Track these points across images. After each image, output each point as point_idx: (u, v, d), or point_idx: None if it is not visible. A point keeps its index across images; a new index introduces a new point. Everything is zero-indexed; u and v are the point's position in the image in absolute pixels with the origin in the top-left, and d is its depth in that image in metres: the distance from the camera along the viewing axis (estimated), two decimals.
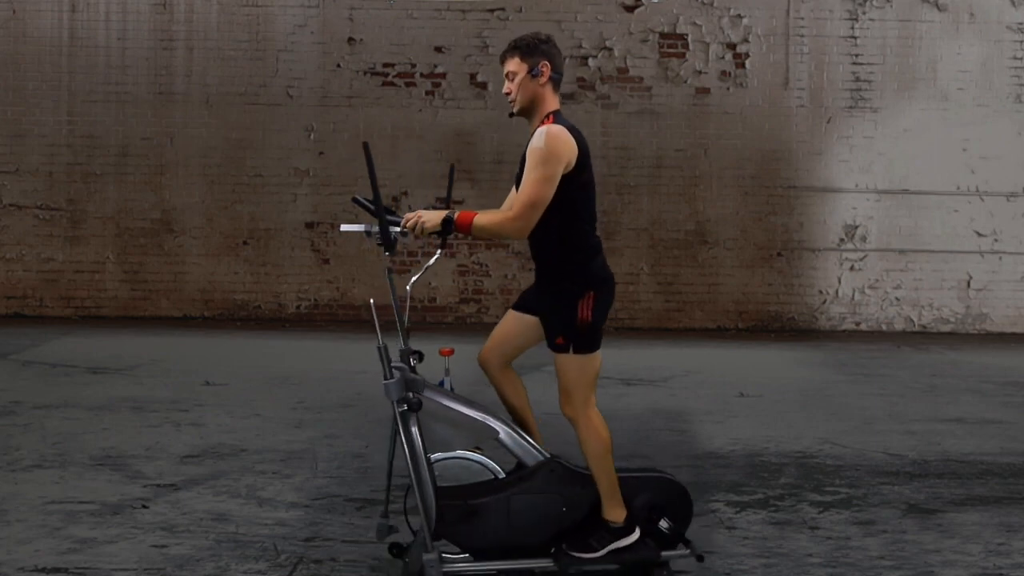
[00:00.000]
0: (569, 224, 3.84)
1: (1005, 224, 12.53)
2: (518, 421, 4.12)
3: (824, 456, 6.18)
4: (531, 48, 3.88)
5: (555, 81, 3.92)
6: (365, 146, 3.64)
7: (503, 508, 3.86)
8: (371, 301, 3.84)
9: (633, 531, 3.89)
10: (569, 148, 3.76)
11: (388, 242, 3.70)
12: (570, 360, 3.83)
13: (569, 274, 3.85)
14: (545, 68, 3.88)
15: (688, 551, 3.97)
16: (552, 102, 3.92)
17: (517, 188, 3.96)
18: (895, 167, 12.49)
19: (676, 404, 7.72)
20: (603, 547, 3.84)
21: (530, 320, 4.04)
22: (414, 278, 4.00)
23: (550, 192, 3.72)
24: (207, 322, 12.18)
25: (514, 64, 3.89)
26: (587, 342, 3.84)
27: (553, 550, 3.85)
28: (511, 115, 3.96)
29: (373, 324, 3.88)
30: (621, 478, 3.97)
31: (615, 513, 3.86)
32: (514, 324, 4.09)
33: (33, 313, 12.32)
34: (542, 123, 3.85)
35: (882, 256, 12.53)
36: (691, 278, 12.46)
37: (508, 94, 3.92)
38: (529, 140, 3.91)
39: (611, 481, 3.85)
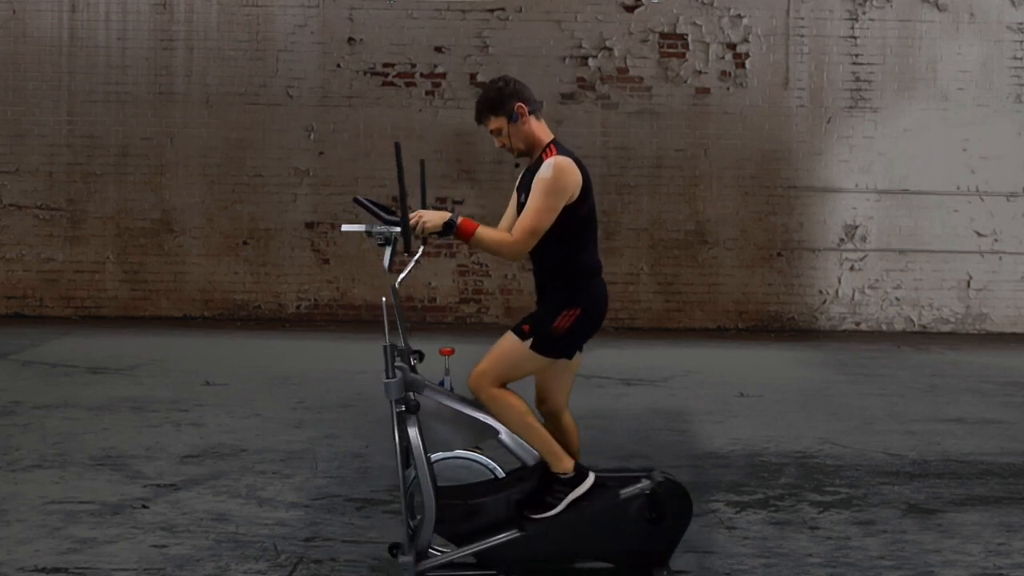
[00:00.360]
0: (569, 251, 3.93)
1: (1005, 224, 12.53)
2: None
3: (824, 456, 6.18)
4: (498, 100, 3.98)
5: (535, 112, 4.02)
6: (397, 147, 3.70)
7: (503, 508, 3.86)
8: (383, 300, 3.87)
9: (586, 476, 3.91)
10: (575, 182, 3.87)
11: (408, 244, 3.72)
12: (518, 347, 3.88)
13: (564, 289, 3.93)
14: (521, 109, 3.97)
15: (648, 483, 3.90)
16: (544, 133, 4.02)
17: (518, 211, 4.01)
18: (895, 167, 12.49)
19: (676, 404, 7.72)
20: (560, 500, 3.87)
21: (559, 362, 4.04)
22: (400, 277, 3.99)
23: (550, 221, 3.83)
24: (207, 322, 12.18)
25: (493, 122, 4.01)
26: (548, 345, 3.89)
27: (518, 521, 3.85)
28: (516, 165, 4.04)
29: (382, 323, 3.90)
30: (621, 478, 3.98)
31: (561, 465, 3.89)
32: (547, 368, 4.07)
33: (33, 313, 12.32)
34: (546, 153, 3.94)
35: (882, 256, 12.53)
36: (691, 278, 12.46)
37: (503, 147, 4.05)
38: (529, 167, 4.02)
39: (542, 437, 3.89)
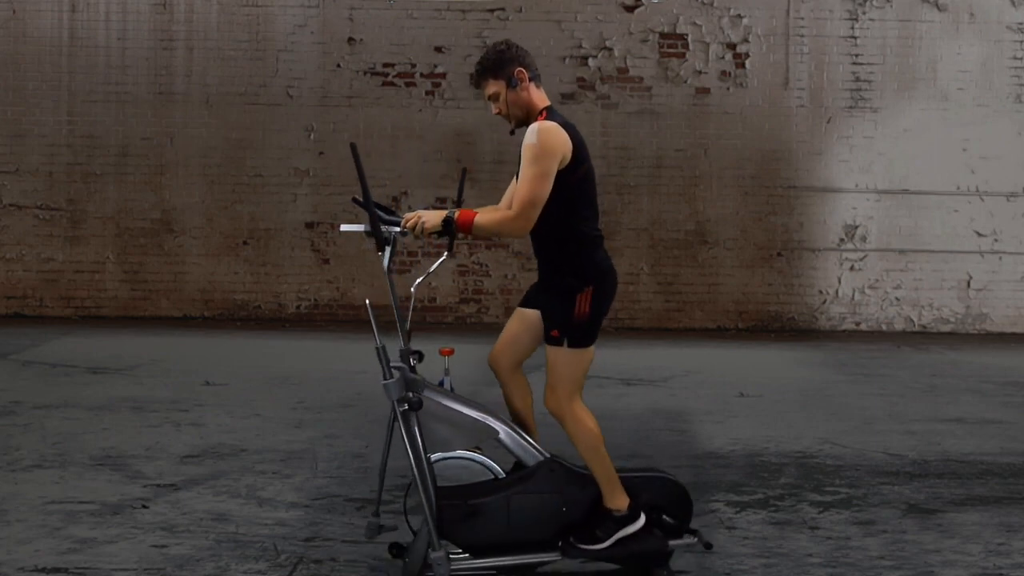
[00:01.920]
0: (568, 219, 3.83)
1: (1005, 224, 12.53)
2: (519, 423, 4.13)
3: (824, 456, 6.18)
4: (498, 63, 3.86)
5: (535, 79, 3.90)
6: (352, 147, 3.61)
7: (503, 508, 3.86)
8: (367, 302, 3.83)
9: (638, 517, 3.88)
10: (562, 142, 3.73)
11: (379, 240, 3.69)
12: (562, 353, 3.83)
13: (569, 267, 3.85)
14: (521, 73, 3.86)
15: (695, 540, 3.96)
16: (541, 99, 3.91)
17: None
18: (895, 167, 12.49)
19: (676, 404, 7.72)
20: (609, 536, 3.84)
21: (535, 316, 4.03)
22: (418, 280, 4.00)
23: (547, 188, 3.71)
24: (207, 322, 12.18)
25: (491, 85, 3.88)
26: (582, 337, 3.84)
27: (561, 543, 3.86)
28: (512, 133, 3.96)
29: (371, 324, 3.88)
30: (622, 478, 3.97)
31: (617, 501, 3.86)
32: (521, 322, 4.09)
33: (33, 313, 12.32)
34: (536, 120, 3.84)
35: (882, 256, 12.53)
36: (691, 278, 12.46)
37: (499, 114, 3.92)
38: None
39: (607, 470, 3.85)
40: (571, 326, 3.82)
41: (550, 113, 3.85)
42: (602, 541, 3.83)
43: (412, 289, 3.96)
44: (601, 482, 3.85)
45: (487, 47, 3.95)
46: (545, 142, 3.70)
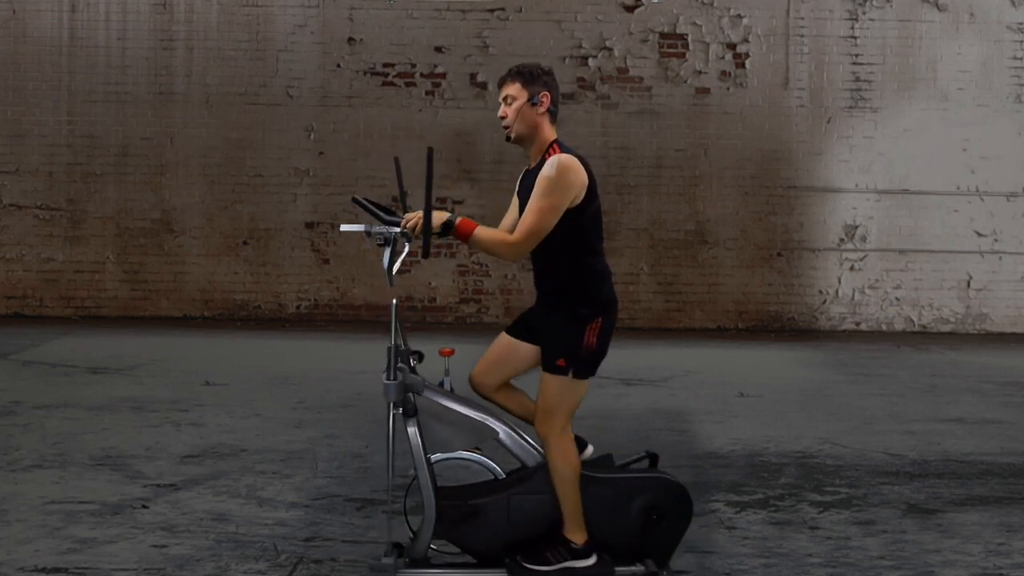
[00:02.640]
0: (580, 253, 3.85)
1: (1005, 224, 12.53)
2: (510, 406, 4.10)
3: (824, 456, 6.18)
4: (533, 76, 3.87)
5: (552, 114, 3.91)
6: (429, 152, 3.61)
7: (503, 508, 3.86)
8: (393, 301, 3.81)
9: (590, 556, 3.83)
10: (580, 180, 3.77)
11: (427, 249, 3.67)
12: (563, 383, 3.82)
13: (581, 298, 3.84)
14: (545, 99, 3.87)
15: (643, 568, 3.90)
16: (550, 132, 3.91)
17: (521, 211, 3.93)
18: (895, 167, 12.49)
19: (676, 404, 7.72)
20: (558, 562, 3.79)
21: (526, 348, 3.98)
22: (393, 270, 3.90)
23: (552, 222, 3.73)
24: (207, 322, 12.18)
25: (514, 89, 3.87)
26: (587, 368, 3.86)
27: (507, 560, 3.83)
28: (507, 139, 3.94)
29: (382, 323, 3.89)
30: (622, 478, 3.97)
31: (577, 535, 3.83)
32: (509, 349, 4.03)
33: (33, 313, 12.32)
34: (548, 152, 3.83)
35: (882, 256, 12.53)
36: (691, 278, 12.46)
37: (503, 118, 3.90)
38: (528, 169, 3.93)
39: (576, 504, 3.82)
40: (579, 356, 3.82)
41: (563, 148, 3.84)
42: (550, 564, 3.79)
43: (390, 284, 3.89)
44: (567, 514, 3.82)
45: (536, 64, 3.94)
46: (563, 178, 3.73)
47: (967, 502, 5.24)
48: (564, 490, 3.81)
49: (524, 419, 4.10)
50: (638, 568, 3.92)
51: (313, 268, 12.38)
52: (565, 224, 3.77)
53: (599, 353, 3.87)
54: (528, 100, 3.85)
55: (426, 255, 3.66)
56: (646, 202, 12.43)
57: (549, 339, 3.88)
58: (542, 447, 3.89)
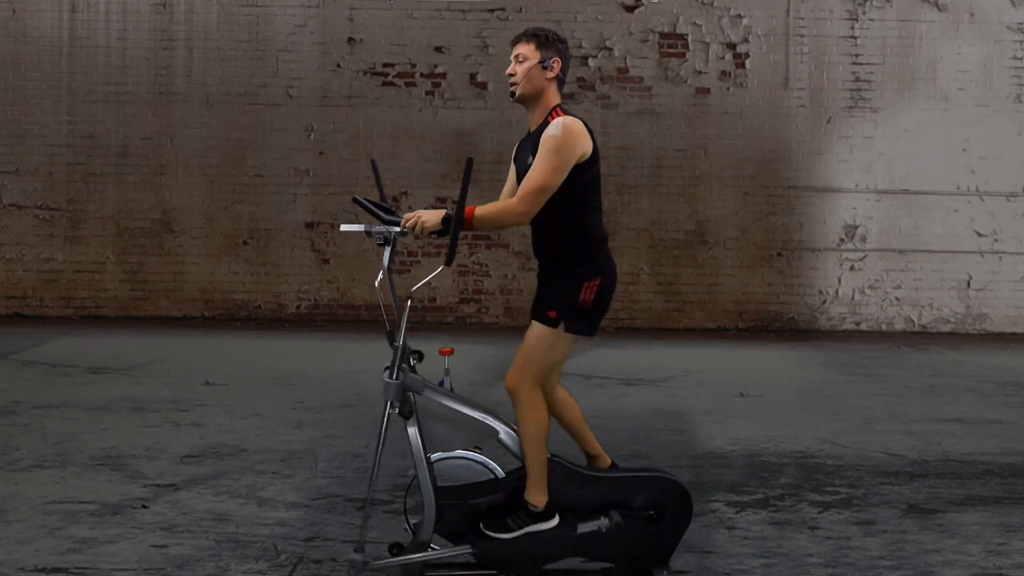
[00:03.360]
0: (579, 214, 3.86)
1: (1005, 224, 12.53)
2: (573, 434, 4.10)
3: (824, 456, 6.18)
4: (548, 40, 3.93)
5: (560, 81, 3.96)
6: (468, 161, 3.63)
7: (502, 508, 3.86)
8: (408, 302, 3.83)
9: (552, 518, 3.85)
10: (584, 141, 3.80)
11: (451, 256, 3.68)
12: (550, 335, 3.81)
13: (577, 259, 3.86)
14: (556, 64, 3.92)
15: (606, 520, 3.90)
16: (555, 97, 3.95)
17: (519, 180, 3.98)
18: (895, 167, 12.49)
19: (676, 404, 7.72)
20: (519, 528, 3.81)
21: None
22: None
23: (558, 181, 3.76)
24: (207, 322, 12.18)
25: (528, 49, 3.92)
26: (579, 324, 3.84)
27: (470, 533, 3.83)
28: (511, 95, 3.96)
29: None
30: (622, 478, 3.97)
31: (537, 497, 3.83)
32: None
33: (33, 313, 12.32)
34: (552, 115, 3.88)
35: (882, 256, 12.53)
36: (691, 278, 12.46)
37: (511, 75, 3.93)
38: (529, 133, 3.97)
39: (540, 464, 3.81)
40: (572, 309, 3.81)
41: (566, 111, 3.89)
42: (511, 531, 3.81)
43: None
44: (530, 473, 3.82)
45: (552, 28, 3.98)
46: (569, 138, 3.76)
47: (967, 502, 5.24)
48: (530, 448, 3.80)
49: (572, 427, 4.08)
50: (601, 521, 3.90)
51: (313, 268, 12.39)
52: (566, 184, 3.79)
53: (594, 312, 3.85)
54: (539, 62, 3.90)
55: (449, 263, 3.67)
56: (646, 202, 12.43)
57: (545, 295, 3.90)
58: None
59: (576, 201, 3.85)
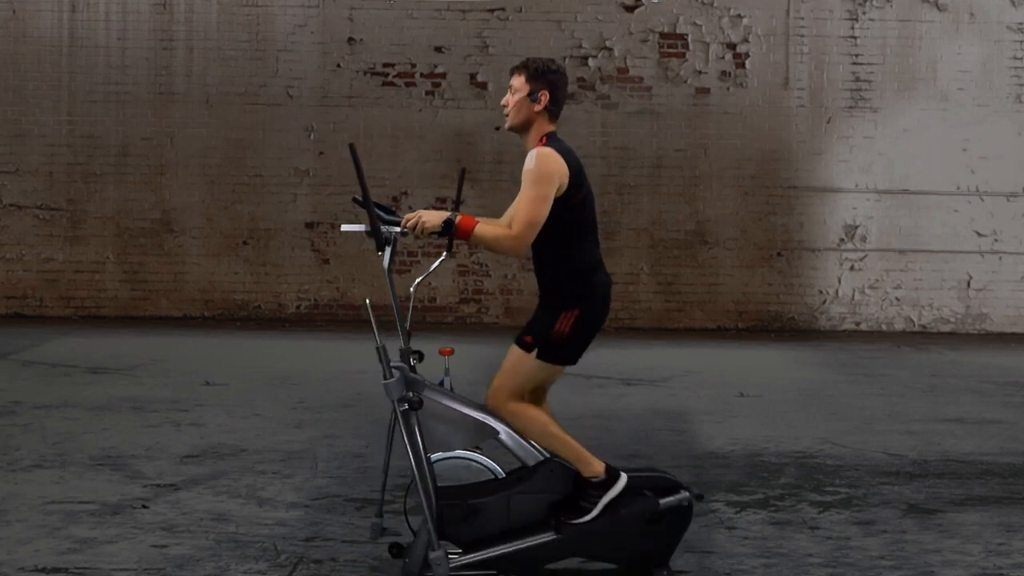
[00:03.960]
0: (565, 243, 3.89)
1: (1005, 224, 12.53)
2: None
3: (824, 456, 6.18)
4: (538, 73, 3.96)
5: (551, 112, 3.98)
6: (352, 147, 3.67)
7: (503, 508, 3.86)
8: (367, 301, 3.83)
9: (618, 477, 3.88)
10: (559, 169, 3.82)
11: (379, 241, 3.71)
12: (522, 357, 3.87)
13: (559, 289, 3.90)
14: (543, 97, 3.94)
15: (687, 495, 3.92)
16: (545, 128, 3.98)
17: None
18: (895, 167, 12.49)
19: (676, 404, 7.72)
20: (594, 504, 3.84)
21: None
22: (418, 280, 4.02)
23: (545, 211, 3.79)
24: (207, 322, 12.19)
25: (518, 82, 3.98)
26: (553, 353, 3.87)
27: (553, 524, 3.85)
28: (498, 128, 4.02)
29: (371, 324, 3.89)
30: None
31: (592, 468, 3.87)
32: None
33: (33, 313, 12.32)
34: (536, 145, 3.92)
35: (882, 256, 12.53)
36: (691, 278, 12.46)
37: (504, 106, 4.01)
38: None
39: (568, 446, 3.87)
40: (546, 339, 3.85)
41: (550, 140, 3.92)
42: (589, 511, 3.83)
43: (412, 289, 3.97)
44: (573, 459, 3.87)
45: (549, 60, 4.02)
46: (542, 167, 3.80)
47: (967, 502, 5.24)
48: (548, 442, 3.87)
49: None
50: (682, 496, 3.90)
51: (313, 268, 12.39)
52: (551, 216, 3.82)
53: (569, 343, 3.87)
54: (527, 95, 3.94)
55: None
56: (646, 202, 12.43)
57: (529, 320, 3.96)
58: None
59: (561, 232, 3.87)
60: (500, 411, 3.88)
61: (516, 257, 3.92)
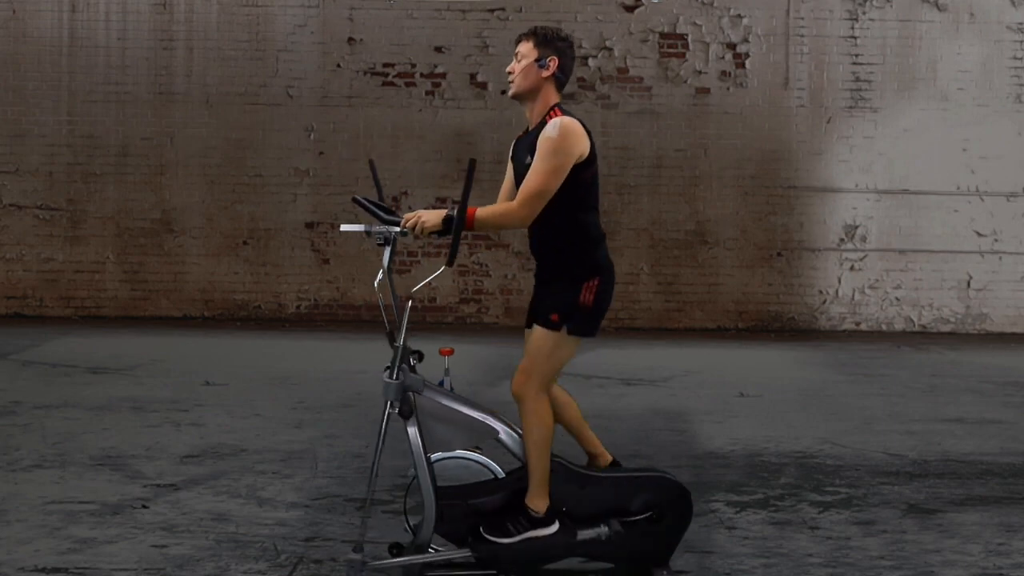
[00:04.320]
0: (577, 214, 3.86)
1: (1005, 224, 12.53)
2: (576, 435, 4.10)
3: (824, 456, 6.18)
4: (547, 39, 3.92)
5: (559, 80, 3.94)
6: (471, 163, 3.61)
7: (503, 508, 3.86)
8: (409, 302, 3.82)
9: (552, 523, 3.84)
10: (584, 142, 3.79)
11: (452, 257, 3.67)
12: (554, 339, 3.81)
13: (577, 260, 3.86)
14: (552, 63, 3.90)
15: (606, 529, 3.89)
16: (553, 96, 3.94)
17: (517, 182, 3.96)
18: (895, 167, 12.49)
19: (676, 404, 7.72)
20: (519, 533, 3.80)
21: None
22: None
23: (557, 183, 3.75)
24: (207, 322, 12.18)
25: (526, 48, 3.92)
26: (582, 326, 3.84)
27: (470, 537, 3.83)
28: (503, 92, 3.99)
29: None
30: (622, 478, 3.97)
31: (538, 502, 3.83)
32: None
33: (33, 313, 12.32)
34: (549, 115, 3.86)
35: (882, 256, 12.53)
36: (691, 278, 12.46)
37: (510, 73, 3.94)
38: (527, 130, 3.96)
39: (544, 469, 3.81)
40: (574, 312, 3.81)
41: (563, 111, 3.87)
42: (511, 536, 3.80)
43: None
44: (532, 478, 3.81)
45: (557, 27, 3.99)
46: (566, 139, 3.75)
47: (967, 502, 5.24)
48: (534, 453, 3.80)
49: (571, 425, 4.08)
50: (602, 529, 3.89)
51: (313, 268, 12.39)
52: (565, 186, 3.78)
53: (595, 313, 3.85)
54: (535, 60, 3.89)
55: (451, 263, 3.68)
56: (646, 202, 12.43)
57: (545, 299, 3.89)
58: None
59: (574, 202, 3.83)
60: (525, 399, 3.79)
61: (521, 228, 3.85)
